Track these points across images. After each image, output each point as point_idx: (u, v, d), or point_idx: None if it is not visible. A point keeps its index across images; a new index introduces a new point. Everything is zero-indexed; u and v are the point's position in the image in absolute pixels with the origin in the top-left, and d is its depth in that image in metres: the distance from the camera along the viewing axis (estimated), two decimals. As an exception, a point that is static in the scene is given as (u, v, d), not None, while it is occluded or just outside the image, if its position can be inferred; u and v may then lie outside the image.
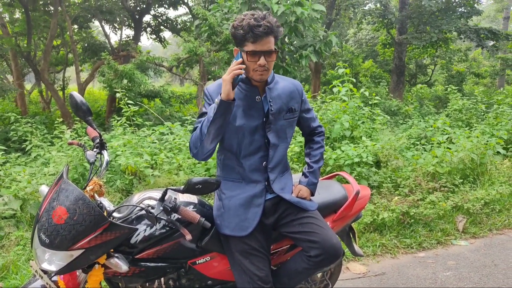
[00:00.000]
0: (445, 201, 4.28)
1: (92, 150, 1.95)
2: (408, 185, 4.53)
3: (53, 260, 1.62)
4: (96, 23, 15.56)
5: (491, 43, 15.45)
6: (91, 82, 14.36)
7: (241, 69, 1.72)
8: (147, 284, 1.96)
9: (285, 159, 2.05)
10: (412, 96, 16.84)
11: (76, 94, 1.88)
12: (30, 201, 3.71)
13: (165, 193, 1.73)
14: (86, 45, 14.83)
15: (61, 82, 14.89)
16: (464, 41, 16.82)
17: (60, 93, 13.84)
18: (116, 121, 5.47)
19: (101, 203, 1.77)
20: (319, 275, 2.45)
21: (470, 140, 5.29)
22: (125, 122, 5.30)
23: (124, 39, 15.56)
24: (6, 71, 13.81)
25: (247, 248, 1.90)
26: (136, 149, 4.51)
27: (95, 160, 1.90)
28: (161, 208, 1.70)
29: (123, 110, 5.28)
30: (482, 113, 8.67)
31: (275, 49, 1.80)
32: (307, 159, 2.17)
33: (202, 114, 1.88)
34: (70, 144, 1.98)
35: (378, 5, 14.77)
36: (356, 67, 18.54)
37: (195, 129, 1.87)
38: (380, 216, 3.89)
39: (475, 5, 14.10)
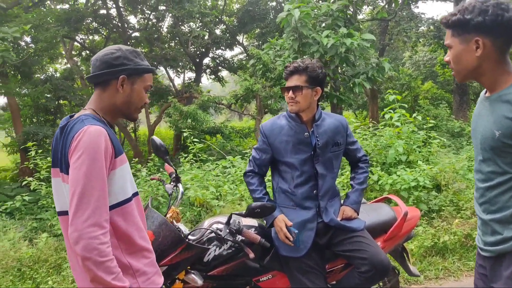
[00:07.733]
0: None
1: (170, 183, 2.34)
2: (470, 207, 4.45)
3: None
4: (161, 68, 17.02)
5: None
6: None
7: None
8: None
9: (333, 187, 2.29)
10: (478, 115, 16.03)
11: (156, 138, 2.30)
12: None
13: (230, 218, 2.05)
14: (153, 89, 16.20)
15: (132, 124, 16.27)
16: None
17: (132, 134, 15.11)
18: (183, 157, 6.01)
19: (178, 227, 2.13)
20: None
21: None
22: (191, 159, 5.80)
23: (187, 81, 16.77)
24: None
25: (304, 266, 2.14)
26: (203, 182, 4.94)
27: (173, 191, 2.28)
28: (227, 230, 2.02)
29: (189, 148, 5.81)
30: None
31: (304, 85, 2.08)
32: (351, 182, 2.40)
33: (258, 149, 2.25)
34: (152, 179, 2.40)
35: (432, 27, 14.59)
36: (415, 90, 18.09)
37: (250, 161, 2.27)
38: (441, 239, 3.89)
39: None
